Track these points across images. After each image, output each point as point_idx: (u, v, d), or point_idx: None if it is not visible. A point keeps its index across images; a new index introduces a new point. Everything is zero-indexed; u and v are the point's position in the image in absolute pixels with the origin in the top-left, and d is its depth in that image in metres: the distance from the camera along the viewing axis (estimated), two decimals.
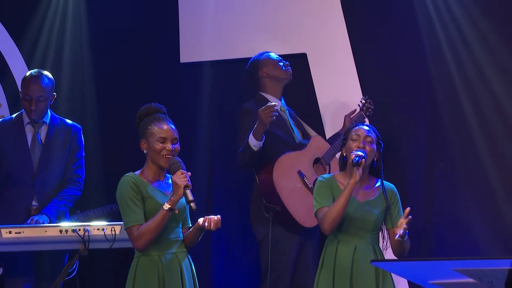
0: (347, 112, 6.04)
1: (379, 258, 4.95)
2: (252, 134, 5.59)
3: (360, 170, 4.90)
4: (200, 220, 4.51)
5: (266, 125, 5.52)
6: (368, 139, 5.01)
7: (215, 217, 4.50)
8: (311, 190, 5.65)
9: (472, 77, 5.93)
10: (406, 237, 4.81)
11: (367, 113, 5.91)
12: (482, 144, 5.88)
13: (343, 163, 5.08)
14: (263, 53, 5.97)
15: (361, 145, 4.97)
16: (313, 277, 5.73)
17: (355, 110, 5.89)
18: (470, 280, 2.49)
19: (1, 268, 5.76)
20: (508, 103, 5.82)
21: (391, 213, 5.03)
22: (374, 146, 5.02)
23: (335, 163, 5.75)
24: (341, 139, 5.59)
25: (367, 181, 5.08)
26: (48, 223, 5.52)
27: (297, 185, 5.71)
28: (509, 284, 2.42)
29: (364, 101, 5.91)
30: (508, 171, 5.77)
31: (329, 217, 4.92)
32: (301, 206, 5.68)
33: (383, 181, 5.04)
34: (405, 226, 4.78)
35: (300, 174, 5.72)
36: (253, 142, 5.60)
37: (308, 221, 5.68)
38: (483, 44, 5.90)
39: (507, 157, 5.78)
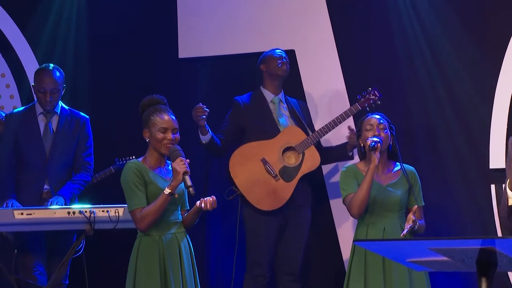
0: (331, 104, 6.06)
1: (407, 237, 4.83)
2: (200, 129, 5.72)
3: (378, 154, 4.89)
4: (198, 202, 4.55)
5: (198, 123, 5.66)
6: (381, 126, 5.02)
7: (211, 198, 4.54)
8: (274, 176, 5.70)
9: (447, 72, 5.95)
10: (417, 226, 4.81)
11: (366, 104, 5.77)
12: (458, 132, 5.90)
13: (362, 153, 5.08)
14: (271, 50, 5.97)
15: (376, 133, 4.97)
16: (297, 255, 5.78)
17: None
18: (444, 258, 2.51)
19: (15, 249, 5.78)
20: (478, 94, 5.84)
21: (413, 193, 5.03)
22: (388, 131, 5.04)
23: (310, 152, 5.77)
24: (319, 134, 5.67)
25: (387, 166, 5.09)
26: (64, 204, 5.55)
27: (257, 171, 5.72)
28: (479, 261, 2.45)
29: (367, 93, 5.80)
30: (482, 158, 5.79)
31: (355, 202, 4.93)
32: (258, 191, 5.69)
33: (403, 163, 5.04)
34: (413, 218, 4.78)
35: (263, 161, 5.73)
36: (201, 137, 5.74)
37: (265, 205, 5.70)
38: (459, 47, 5.92)
39: (480, 144, 5.81)
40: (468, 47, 5.90)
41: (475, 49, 5.88)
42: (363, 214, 4.99)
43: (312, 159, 5.78)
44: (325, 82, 6.21)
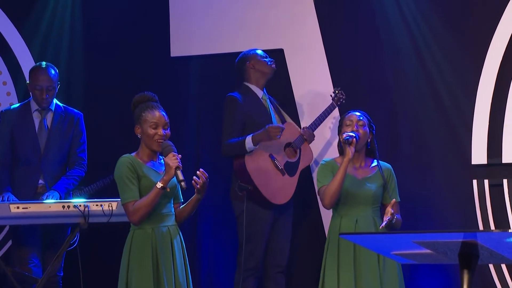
0: (319, 102, 6.06)
1: (379, 230, 4.93)
2: (252, 138, 5.63)
3: (352, 148, 4.93)
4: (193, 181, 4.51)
5: (270, 139, 5.61)
6: (360, 123, 5.06)
7: (198, 172, 4.50)
8: (281, 171, 5.72)
9: (431, 70, 5.96)
10: (394, 219, 4.85)
11: (338, 103, 5.91)
12: (441, 129, 5.91)
13: (341, 148, 5.13)
14: (251, 49, 5.98)
15: (354, 129, 5.02)
16: (285, 247, 5.80)
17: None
18: (428, 251, 2.51)
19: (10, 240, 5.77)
20: (461, 91, 5.84)
21: (388, 189, 5.07)
22: (367, 128, 5.08)
23: (305, 148, 5.82)
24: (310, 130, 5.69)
25: (365, 161, 5.13)
26: (59, 198, 5.54)
27: (268, 167, 5.72)
28: (461, 254, 2.46)
29: (337, 92, 5.93)
30: (465, 154, 5.80)
31: (328, 193, 4.97)
32: (270, 185, 5.70)
33: (379, 160, 5.08)
34: (391, 211, 4.83)
35: (271, 157, 5.73)
36: (250, 146, 5.66)
37: (277, 199, 5.72)
38: (443, 45, 5.92)
39: (462, 141, 5.82)
40: (451, 45, 5.90)
41: (458, 47, 5.88)
42: (338, 205, 5.04)
43: (307, 154, 5.87)
44: (312, 81, 6.21)
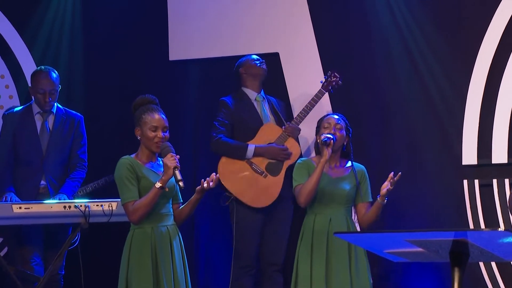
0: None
1: (351, 229, 5.05)
2: (255, 149, 5.69)
3: (329, 149, 4.99)
4: (199, 187, 4.56)
5: (274, 158, 5.69)
6: (338, 126, 5.12)
7: (213, 176, 4.56)
8: (261, 173, 5.72)
9: (423, 72, 5.96)
10: (385, 201, 4.94)
11: (330, 87, 5.83)
12: (433, 130, 5.91)
13: (317, 148, 5.19)
14: (246, 56, 6.01)
15: (332, 131, 5.08)
16: (282, 246, 5.80)
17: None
18: (420, 249, 2.52)
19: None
20: (452, 94, 5.85)
21: (360, 190, 5.13)
22: (344, 132, 5.14)
23: (290, 144, 5.78)
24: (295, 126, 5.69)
25: (339, 162, 5.19)
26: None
27: (245, 173, 5.73)
28: (452, 252, 2.46)
29: (327, 75, 5.86)
30: (456, 155, 5.80)
31: (303, 191, 5.02)
32: (250, 191, 5.71)
33: (353, 162, 5.14)
34: (389, 187, 4.90)
35: (248, 162, 5.74)
36: (250, 155, 5.70)
37: (260, 202, 5.72)
38: (434, 48, 5.93)
39: (453, 142, 5.82)
40: (442, 48, 5.90)
41: (449, 50, 5.88)
42: (313, 203, 5.09)
43: (293, 150, 5.80)
44: (307, 83, 6.20)
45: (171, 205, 4.66)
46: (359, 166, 5.19)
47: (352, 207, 5.17)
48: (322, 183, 5.04)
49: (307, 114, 5.80)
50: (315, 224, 5.07)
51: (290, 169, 5.75)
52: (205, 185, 4.53)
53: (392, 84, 6.06)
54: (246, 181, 5.71)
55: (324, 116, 5.24)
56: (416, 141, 5.96)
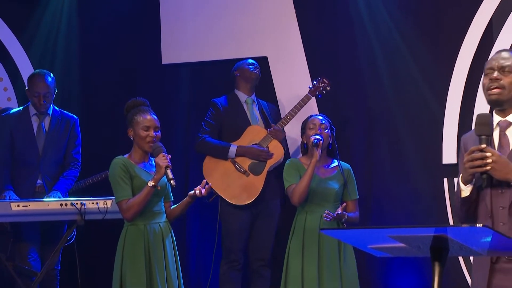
0: None
1: (340, 226, 5.06)
2: (237, 149, 5.70)
3: (319, 150, 5.04)
4: (192, 192, 4.58)
5: (255, 158, 5.70)
6: (323, 126, 5.17)
7: (203, 183, 4.58)
8: (244, 172, 5.72)
9: (406, 75, 5.96)
10: (344, 219, 4.97)
11: (317, 92, 5.82)
12: (414, 130, 5.91)
13: (304, 149, 5.24)
14: (243, 60, 6.01)
15: (318, 132, 5.10)
16: (268, 242, 5.79)
17: None
18: (402, 244, 2.51)
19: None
20: (433, 95, 5.84)
21: (347, 188, 5.17)
22: (329, 131, 5.19)
23: (273, 145, 5.75)
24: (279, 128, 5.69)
25: (326, 161, 5.22)
26: (59, 197, 5.54)
27: (228, 171, 5.73)
28: (432, 247, 2.46)
29: (316, 81, 5.84)
30: (436, 154, 5.80)
31: (297, 191, 5.06)
32: (232, 189, 5.70)
33: (340, 161, 5.17)
34: (338, 212, 4.94)
35: (232, 161, 5.74)
36: (231, 155, 5.73)
37: (241, 200, 5.71)
38: (416, 51, 5.93)
39: (434, 142, 5.82)
40: (423, 52, 5.89)
41: (429, 53, 5.88)
42: (304, 202, 5.10)
43: (276, 151, 5.77)
44: (294, 86, 6.20)
45: (163, 203, 4.66)
46: (345, 165, 5.23)
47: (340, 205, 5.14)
48: (313, 183, 5.07)
49: (293, 117, 5.80)
50: (306, 222, 5.09)
51: (273, 172, 5.77)
52: (197, 192, 4.55)
53: (376, 87, 6.06)
54: (228, 179, 5.72)
55: (308, 117, 5.26)
56: (399, 141, 5.96)
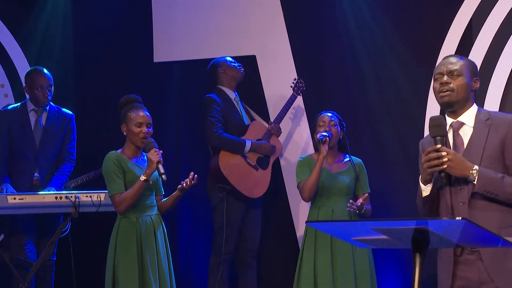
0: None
1: (352, 218, 5.02)
2: (251, 144, 5.69)
3: (326, 146, 5.00)
4: (180, 186, 4.60)
5: (265, 153, 5.74)
6: (332, 123, 5.13)
7: (190, 177, 4.58)
8: (254, 167, 5.72)
9: (389, 81, 5.98)
10: (363, 210, 4.95)
11: (299, 92, 5.89)
12: (398, 129, 5.92)
13: (316, 145, 5.22)
14: (221, 57, 5.99)
15: (327, 128, 5.08)
16: (256, 234, 5.79)
17: None
18: (384, 236, 2.52)
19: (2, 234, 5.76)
20: (415, 96, 5.86)
21: (360, 181, 5.14)
22: (338, 127, 5.15)
23: (273, 142, 5.80)
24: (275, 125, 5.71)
25: (338, 156, 5.19)
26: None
27: (242, 166, 5.71)
28: (414, 239, 2.47)
29: (296, 81, 5.91)
30: (417, 152, 5.80)
31: (306, 187, 5.03)
32: (246, 182, 5.70)
33: (351, 155, 5.15)
34: (361, 202, 4.94)
35: (243, 156, 5.73)
36: (247, 149, 5.70)
37: (255, 193, 5.73)
38: (398, 55, 5.94)
39: (415, 140, 5.80)
40: (405, 54, 5.90)
41: (411, 56, 5.89)
42: (315, 197, 5.07)
43: (276, 146, 5.83)
44: (281, 83, 6.20)
45: (154, 197, 4.66)
46: (357, 160, 5.19)
47: (353, 199, 5.11)
48: (323, 178, 5.03)
49: (285, 114, 5.85)
50: (318, 217, 5.05)
51: (274, 165, 5.79)
52: (184, 185, 4.56)
53: (361, 87, 6.07)
54: (243, 174, 5.71)
55: (318, 115, 5.22)
56: (383, 140, 5.97)
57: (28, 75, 5.83)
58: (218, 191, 5.67)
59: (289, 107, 5.88)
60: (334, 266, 4.95)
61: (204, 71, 6.29)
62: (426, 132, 5.72)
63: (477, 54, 5.58)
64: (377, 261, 5.27)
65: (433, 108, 5.72)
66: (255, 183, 5.72)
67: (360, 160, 5.21)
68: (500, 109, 5.53)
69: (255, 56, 6.33)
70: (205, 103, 5.78)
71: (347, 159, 5.17)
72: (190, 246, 6.44)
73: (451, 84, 3.43)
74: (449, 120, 3.46)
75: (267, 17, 6.34)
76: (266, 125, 5.90)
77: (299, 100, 6.09)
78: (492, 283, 3.27)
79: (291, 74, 6.16)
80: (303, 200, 5.15)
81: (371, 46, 6.03)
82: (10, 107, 5.93)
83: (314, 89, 5.91)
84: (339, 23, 6.14)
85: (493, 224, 3.24)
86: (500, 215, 3.29)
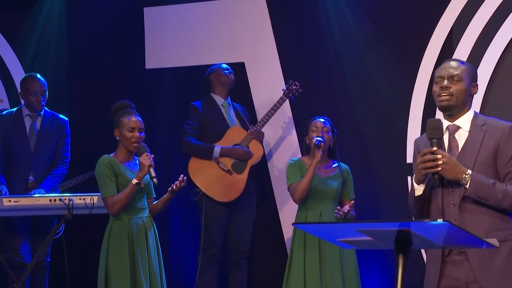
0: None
1: (339, 221, 4.98)
2: (221, 149, 5.69)
3: (321, 151, 5.01)
4: (170, 188, 4.61)
5: (238, 158, 5.69)
6: (325, 129, 5.14)
7: (180, 178, 4.60)
8: (228, 171, 5.71)
9: (372, 85, 5.99)
10: (349, 215, 4.95)
11: (291, 95, 5.83)
12: (381, 133, 5.93)
13: (307, 149, 5.19)
14: (217, 64, 6.00)
15: (320, 134, 5.08)
16: (246, 236, 5.78)
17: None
18: (368, 238, 2.52)
19: None
20: (398, 100, 5.87)
21: (346, 187, 5.15)
22: (330, 133, 5.14)
23: (253, 145, 5.76)
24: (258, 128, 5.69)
25: (327, 162, 5.18)
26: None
27: (213, 171, 5.72)
28: (397, 240, 2.47)
29: (288, 84, 5.86)
30: (401, 154, 5.82)
31: (298, 190, 5.02)
32: (217, 187, 5.69)
33: (339, 162, 5.15)
34: (348, 209, 4.93)
35: (216, 161, 5.73)
36: (216, 155, 5.71)
37: (227, 196, 5.71)
38: (382, 60, 5.95)
39: (399, 142, 5.85)
40: (389, 59, 5.91)
41: (395, 61, 5.89)
42: (305, 200, 5.05)
43: (256, 150, 5.79)
44: (269, 89, 6.20)
45: (146, 199, 4.66)
46: (344, 166, 5.21)
47: (339, 203, 5.15)
48: (313, 182, 5.03)
49: (270, 118, 5.82)
50: (307, 219, 5.05)
51: (251, 169, 5.76)
52: (174, 187, 4.57)
53: (346, 92, 6.08)
54: (213, 178, 5.70)
55: (312, 120, 5.22)
56: (366, 143, 5.97)
57: (23, 81, 5.82)
58: (192, 195, 5.69)
59: (275, 111, 5.81)
60: (322, 267, 4.96)
61: (194, 78, 6.30)
62: (409, 135, 5.75)
63: None
64: (361, 262, 5.27)
65: (415, 111, 5.74)
66: (227, 187, 5.70)
67: (347, 166, 5.23)
68: None
69: (244, 63, 6.34)
70: (188, 111, 5.86)
71: (335, 164, 5.17)
72: (181, 247, 6.43)
73: (451, 89, 3.40)
74: (445, 123, 3.44)
75: (255, 25, 6.34)
76: (246, 130, 5.85)
77: (287, 105, 6.08)
78: (477, 283, 3.26)
79: (279, 80, 6.17)
80: (294, 201, 5.14)
81: (355, 53, 6.03)
82: (5, 112, 5.92)
83: (301, 94, 5.91)
84: (324, 32, 6.14)
85: (482, 227, 3.25)
86: (489, 219, 3.28)
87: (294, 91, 5.85)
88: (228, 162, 5.73)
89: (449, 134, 3.42)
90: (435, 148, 3.26)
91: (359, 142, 6.02)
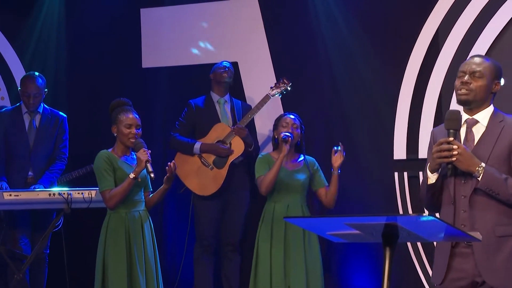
0: (267, 106, 6.03)
1: (305, 214, 5.09)
2: (200, 146, 5.70)
3: (288, 146, 5.04)
4: (165, 178, 4.60)
5: (217, 154, 5.69)
6: (295, 125, 5.17)
7: (171, 164, 4.57)
8: (208, 166, 5.72)
9: (361, 83, 6.00)
10: (339, 171, 5.03)
11: (277, 92, 5.79)
12: (369, 130, 5.94)
13: (275, 144, 5.23)
14: (220, 62, 5.98)
15: (289, 130, 5.10)
16: (237, 229, 5.80)
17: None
18: (357, 231, 2.53)
19: None
20: (385, 98, 5.87)
21: (314, 178, 5.18)
22: (299, 130, 5.16)
23: (235, 142, 5.73)
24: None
25: (294, 156, 5.22)
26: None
27: (195, 165, 5.74)
28: (384, 234, 2.48)
29: (277, 82, 5.84)
30: (388, 150, 5.83)
31: (264, 182, 5.06)
32: (197, 181, 5.71)
33: (305, 155, 5.19)
34: (338, 160, 5.00)
35: (199, 156, 5.75)
36: (196, 152, 5.74)
37: (205, 191, 5.71)
38: (369, 58, 5.96)
39: (386, 140, 5.85)
40: (376, 55, 5.91)
41: (382, 57, 5.90)
42: (272, 192, 5.13)
43: (237, 146, 5.76)
44: (261, 88, 6.19)
45: (143, 193, 4.66)
46: (310, 159, 5.23)
47: (306, 195, 5.19)
48: (280, 175, 5.06)
49: (253, 116, 5.81)
50: (274, 210, 5.09)
51: (241, 165, 5.77)
52: (168, 174, 4.57)
53: (335, 90, 6.08)
54: (194, 172, 5.73)
55: (282, 116, 5.25)
56: (354, 139, 5.98)
57: (21, 80, 5.82)
58: (177, 188, 5.71)
59: (259, 109, 5.76)
60: (287, 261, 4.99)
61: (190, 76, 6.30)
62: (396, 133, 5.77)
63: (444, 61, 5.62)
64: (348, 256, 5.30)
65: (402, 109, 5.75)
66: (207, 182, 5.71)
67: (313, 158, 5.26)
68: None
69: (237, 62, 6.34)
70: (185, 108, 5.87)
71: (301, 158, 5.21)
72: (176, 239, 6.43)
73: (471, 85, 3.34)
74: (464, 116, 3.39)
75: (248, 26, 6.35)
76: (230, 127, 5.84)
77: (278, 103, 6.09)
78: (481, 277, 3.24)
79: (271, 79, 6.17)
80: (261, 193, 5.18)
81: (345, 52, 6.03)
82: (4, 109, 5.92)
83: (292, 92, 5.92)
84: (315, 33, 6.14)
85: (489, 221, 3.24)
86: (497, 213, 3.26)
87: (283, 88, 5.83)
88: (210, 158, 5.75)
89: (466, 127, 3.38)
90: (451, 138, 3.23)
91: (347, 139, 6.02)
